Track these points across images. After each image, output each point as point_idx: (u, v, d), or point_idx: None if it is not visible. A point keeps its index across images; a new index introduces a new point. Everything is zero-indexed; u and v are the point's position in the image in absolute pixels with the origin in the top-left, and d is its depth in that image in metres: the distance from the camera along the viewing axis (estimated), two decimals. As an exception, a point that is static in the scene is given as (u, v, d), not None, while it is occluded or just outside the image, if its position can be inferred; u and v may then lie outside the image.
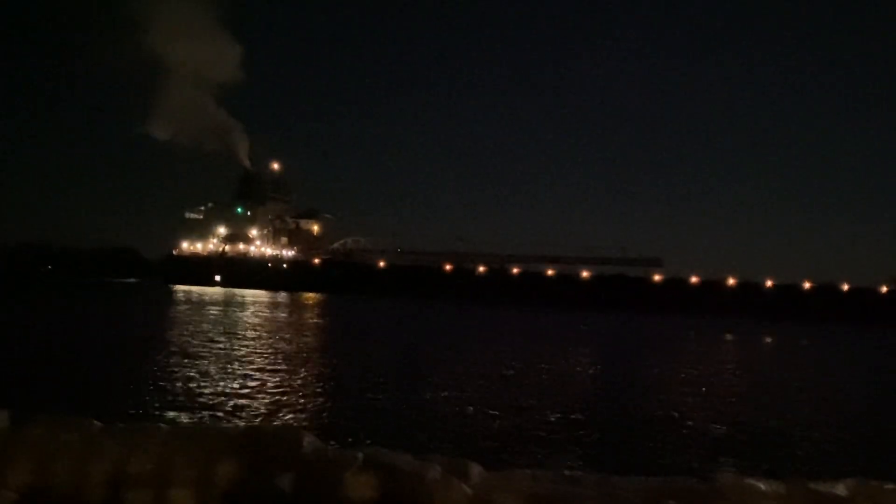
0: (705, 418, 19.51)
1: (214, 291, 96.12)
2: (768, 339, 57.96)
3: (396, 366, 28.14)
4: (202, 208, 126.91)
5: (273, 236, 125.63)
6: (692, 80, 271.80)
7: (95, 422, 5.27)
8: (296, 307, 71.45)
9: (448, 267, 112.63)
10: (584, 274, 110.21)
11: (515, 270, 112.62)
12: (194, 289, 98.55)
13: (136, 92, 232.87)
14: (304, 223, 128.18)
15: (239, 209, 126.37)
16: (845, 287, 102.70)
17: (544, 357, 33.19)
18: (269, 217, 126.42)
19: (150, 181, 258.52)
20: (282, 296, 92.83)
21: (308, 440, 5.45)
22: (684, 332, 59.75)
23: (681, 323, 70.78)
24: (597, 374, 28.95)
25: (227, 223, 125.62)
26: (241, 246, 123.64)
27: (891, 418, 22.23)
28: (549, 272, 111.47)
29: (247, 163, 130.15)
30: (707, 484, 4.96)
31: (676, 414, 20.01)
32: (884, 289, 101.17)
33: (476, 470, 5.48)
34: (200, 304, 65.92)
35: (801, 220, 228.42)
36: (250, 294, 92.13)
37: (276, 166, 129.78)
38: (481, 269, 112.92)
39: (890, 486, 4.52)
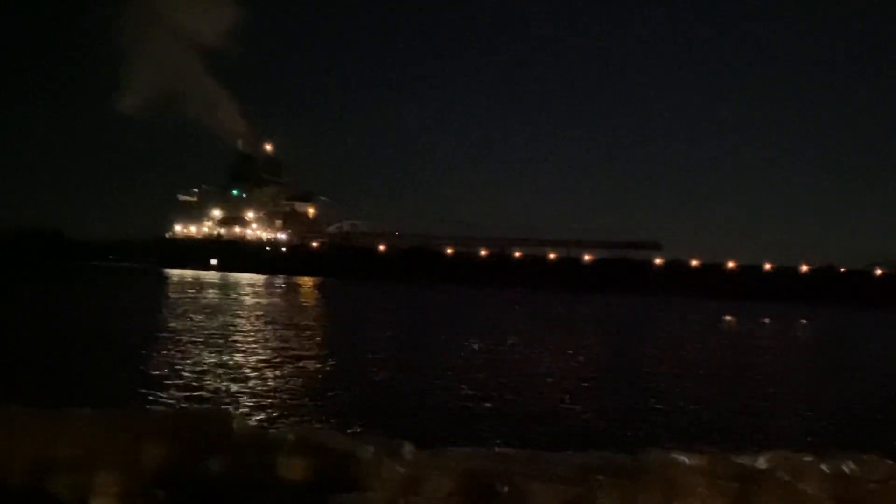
0: (650, 395, 19.80)
1: (210, 275, 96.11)
2: (766, 321, 58.27)
3: (357, 348, 28.07)
4: (195, 190, 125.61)
5: (267, 219, 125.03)
6: (689, 63, 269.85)
7: (18, 407, 5.23)
8: (290, 291, 71.47)
9: (450, 251, 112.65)
10: (587, 257, 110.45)
11: (518, 254, 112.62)
12: (189, 272, 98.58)
13: (108, 61, 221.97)
14: (299, 206, 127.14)
15: (234, 191, 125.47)
16: (842, 270, 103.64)
17: (519, 339, 33.09)
18: (264, 199, 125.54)
19: (96, 160, 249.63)
20: (279, 279, 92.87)
21: (238, 422, 5.43)
22: (682, 315, 59.82)
23: (681, 305, 70.96)
24: (558, 355, 28.78)
25: (222, 206, 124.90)
26: (237, 229, 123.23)
27: (846, 396, 22.55)
28: (552, 255, 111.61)
29: (239, 142, 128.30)
30: (634, 458, 4.96)
31: (620, 391, 20.39)
32: (878, 271, 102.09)
33: (409, 449, 5.47)
34: (192, 287, 65.92)
35: (797, 203, 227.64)
36: (247, 278, 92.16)
37: (269, 147, 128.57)
38: (483, 252, 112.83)
39: (808, 457, 4.53)
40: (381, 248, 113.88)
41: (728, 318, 57.44)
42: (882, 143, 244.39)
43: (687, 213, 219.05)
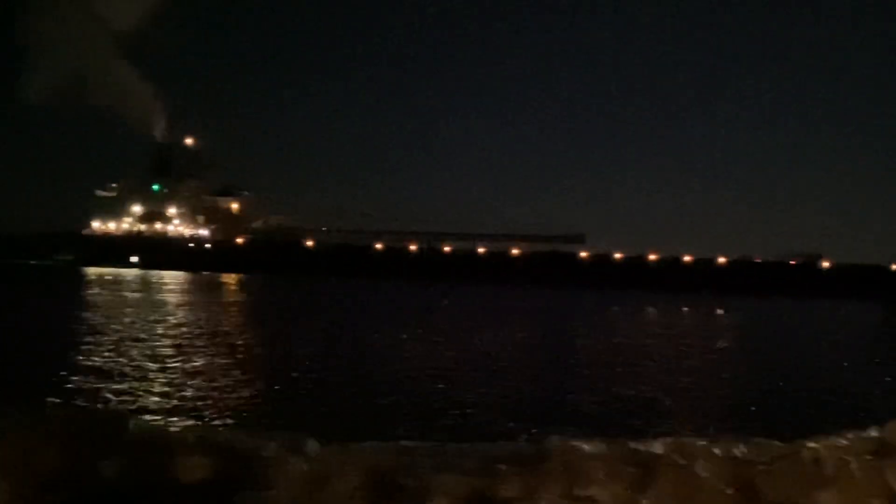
0: (560, 384, 20.26)
1: (130, 273, 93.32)
2: (685, 310, 60.00)
3: (267, 345, 27.75)
4: (114, 185, 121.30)
5: (189, 215, 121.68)
6: (611, 55, 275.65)
7: None
8: (211, 288, 69.93)
9: (379, 245, 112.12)
10: (515, 251, 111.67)
11: (447, 248, 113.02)
12: (108, 270, 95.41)
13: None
14: (222, 201, 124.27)
15: (155, 186, 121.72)
16: (758, 260, 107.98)
17: (438, 333, 33.22)
18: (186, 195, 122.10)
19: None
20: (202, 277, 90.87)
21: (133, 422, 5.25)
22: (605, 306, 61.02)
23: (606, 297, 72.43)
24: (474, 348, 29.07)
25: (143, 201, 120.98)
26: (159, 225, 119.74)
27: (747, 382, 23.47)
28: (481, 250, 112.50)
29: (159, 135, 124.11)
30: (536, 447, 5.01)
31: (531, 382, 20.79)
32: (793, 262, 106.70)
33: (312, 445, 5.39)
34: (107, 285, 63.83)
35: (713, 197, 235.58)
36: (169, 275, 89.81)
37: (189, 141, 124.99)
38: (412, 247, 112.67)
39: (702, 442, 4.68)
40: (309, 243, 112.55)
41: (649, 308, 58.88)
42: (798, 141, 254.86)
43: (610, 206, 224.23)
